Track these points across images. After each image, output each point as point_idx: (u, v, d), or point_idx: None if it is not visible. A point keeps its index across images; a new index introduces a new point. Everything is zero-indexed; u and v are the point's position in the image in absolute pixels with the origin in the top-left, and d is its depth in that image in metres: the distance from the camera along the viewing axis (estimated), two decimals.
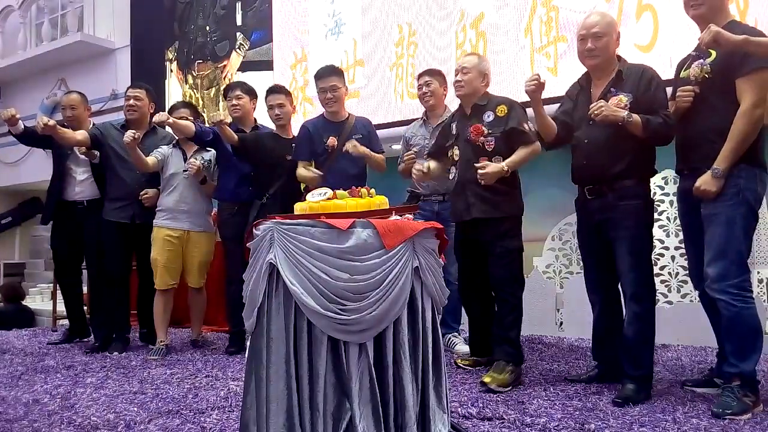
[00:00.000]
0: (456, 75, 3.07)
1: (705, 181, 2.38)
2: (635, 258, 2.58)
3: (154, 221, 3.86)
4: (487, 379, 2.74)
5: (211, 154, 3.97)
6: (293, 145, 3.67)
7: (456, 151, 3.05)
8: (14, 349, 4.08)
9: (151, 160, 3.78)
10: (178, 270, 3.88)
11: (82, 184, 4.08)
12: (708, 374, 2.75)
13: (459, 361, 3.24)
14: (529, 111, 2.88)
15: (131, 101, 3.96)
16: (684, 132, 2.54)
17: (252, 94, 3.98)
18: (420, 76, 3.72)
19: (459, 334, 3.75)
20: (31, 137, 3.94)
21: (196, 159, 3.84)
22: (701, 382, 2.70)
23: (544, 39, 4.45)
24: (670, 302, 3.95)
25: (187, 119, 3.87)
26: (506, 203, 2.94)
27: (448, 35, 5.00)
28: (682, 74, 2.59)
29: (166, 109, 4.36)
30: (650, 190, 2.68)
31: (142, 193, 3.86)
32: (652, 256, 4.03)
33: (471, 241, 3.04)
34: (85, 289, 4.57)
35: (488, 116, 2.95)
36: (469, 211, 2.99)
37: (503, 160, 2.86)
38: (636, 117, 2.48)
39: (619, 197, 2.59)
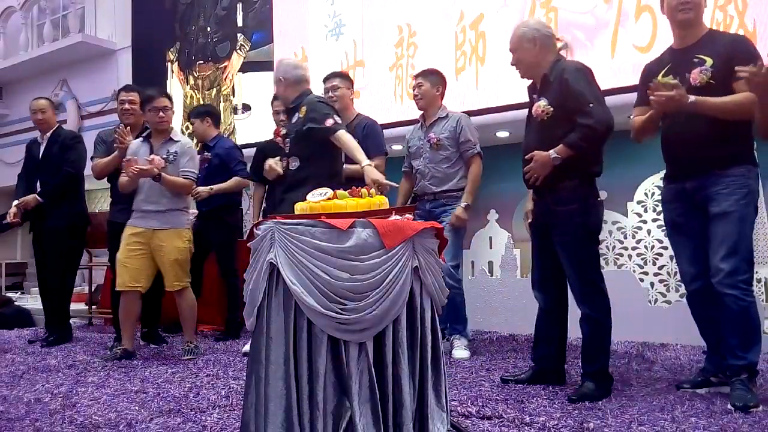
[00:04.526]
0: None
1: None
2: (574, 261, 2.63)
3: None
4: None
5: (178, 145, 3.69)
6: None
7: None
8: (16, 348, 4.09)
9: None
10: (143, 272, 3.60)
11: None
12: (701, 374, 2.74)
13: None
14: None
15: (126, 105, 4.04)
16: (680, 136, 2.56)
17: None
18: (414, 77, 3.80)
19: (461, 337, 3.59)
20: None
21: (161, 154, 3.60)
22: (698, 383, 2.71)
23: None
24: (668, 302, 3.96)
25: (167, 108, 3.76)
26: None
27: (448, 36, 5.01)
28: (661, 80, 2.51)
29: None
30: (593, 192, 2.66)
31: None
32: (651, 255, 4.08)
33: None
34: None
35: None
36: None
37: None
38: (561, 149, 2.53)
39: (555, 202, 2.64)
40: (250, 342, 4.21)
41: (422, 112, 3.77)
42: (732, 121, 2.42)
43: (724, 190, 2.45)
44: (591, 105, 2.48)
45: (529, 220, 2.90)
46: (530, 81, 2.82)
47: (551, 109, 2.59)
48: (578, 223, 2.60)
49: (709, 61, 2.46)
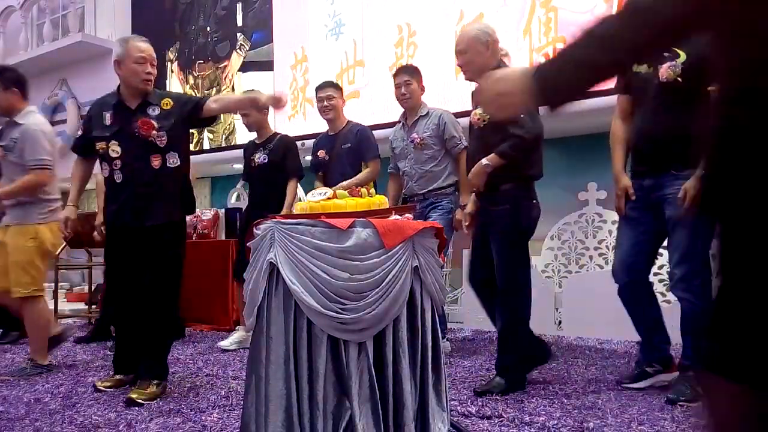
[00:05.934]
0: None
1: (695, 187, 2.34)
2: (503, 259, 2.66)
3: None
4: (133, 395, 2.59)
5: (19, 129, 3.18)
6: (263, 148, 3.87)
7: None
8: (16, 348, 4.09)
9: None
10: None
11: None
12: (637, 367, 2.80)
13: (99, 383, 2.86)
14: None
15: None
16: (643, 132, 2.56)
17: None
18: (396, 74, 3.66)
19: (443, 338, 3.56)
20: None
21: (3, 141, 3.22)
22: (637, 377, 2.76)
23: (543, 39, 4.47)
24: (668, 302, 3.95)
25: None
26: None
27: (448, 36, 5.01)
28: (636, 68, 2.54)
29: None
30: (528, 195, 2.70)
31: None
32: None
33: None
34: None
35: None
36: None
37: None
38: (492, 157, 2.58)
39: (491, 203, 2.70)
40: (229, 337, 4.22)
41: (403, 110, 3.72)
42: (700, 119, 2.38)
43: (678, 194, 2.44)
44: (522, 116, 2.51)
45: (467, 223, 2.93)
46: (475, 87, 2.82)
47: (487, 116, 2.64)
48: (508, 223, 2.65)
49: (683, 56, 2.40)
